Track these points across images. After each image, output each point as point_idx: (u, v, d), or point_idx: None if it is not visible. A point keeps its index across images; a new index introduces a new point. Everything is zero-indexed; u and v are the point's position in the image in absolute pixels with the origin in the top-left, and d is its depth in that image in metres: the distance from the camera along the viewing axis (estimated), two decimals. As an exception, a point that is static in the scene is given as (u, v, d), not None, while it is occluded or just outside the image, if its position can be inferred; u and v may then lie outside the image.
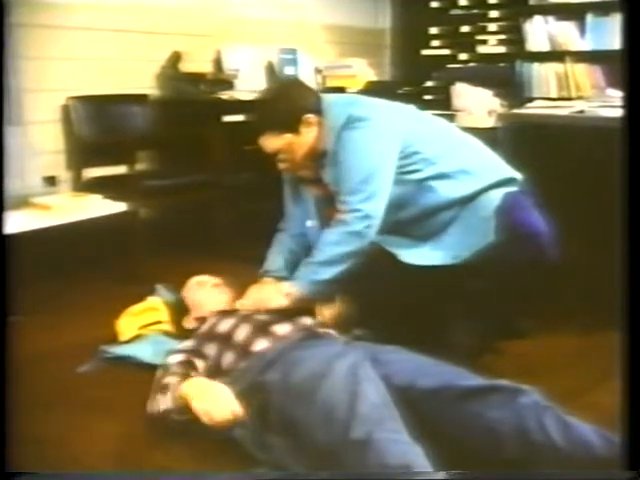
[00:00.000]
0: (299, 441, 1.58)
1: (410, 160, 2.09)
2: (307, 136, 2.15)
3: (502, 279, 1.98)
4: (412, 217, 2.11)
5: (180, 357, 1.96)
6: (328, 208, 2.23)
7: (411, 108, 2.28)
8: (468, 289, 2.04)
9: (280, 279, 2.24)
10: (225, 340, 1.94)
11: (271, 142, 2.16)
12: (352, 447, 1.45)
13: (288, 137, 2.14)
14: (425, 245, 2.10)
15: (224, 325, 1.99)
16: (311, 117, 2.15)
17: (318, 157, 2.16)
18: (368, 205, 2.04)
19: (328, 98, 2.23)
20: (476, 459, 1.52)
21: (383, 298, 2.04)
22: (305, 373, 1.65)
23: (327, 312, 2.12)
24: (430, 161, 2.09)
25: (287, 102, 2.17)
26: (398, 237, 2.10)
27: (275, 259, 2.34)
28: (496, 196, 2.09)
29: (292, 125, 2.14)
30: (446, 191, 2.08)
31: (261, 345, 1.87)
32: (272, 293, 2.12)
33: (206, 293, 2.29)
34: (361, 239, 2.05)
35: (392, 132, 2.10)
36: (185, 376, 1.88)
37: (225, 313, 2.08)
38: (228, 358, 1.90)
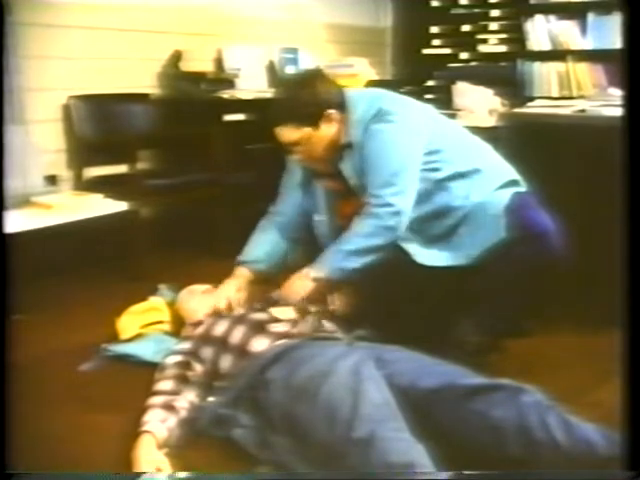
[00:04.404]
0: (301, 440, 1.58)
1: (432, 157, 2.08)
2: (326, 131, 2.11)
3: (509, 278, 1.98)
4: (426, 215, 2.09)
5: (177, 358, 1.96)
6: (340, 202, 2.22)
7: (430, 107, 2.27)
8: (474, 288, 2.04)
9: (255, 271, 2.26)
10: (221, 344, 1.93)
11: (288, 134, 2.11)
12: (355, 446, 1.45)
13: (307, 131, 2.09)
14: (438, 245, 2.09)
15: (219, 328, 1.98)
16: (333, 113, 2.10)
17: (337, 150, 2.13)
18: (399, 200, 2.02)
19: (352, 92, 2.19)
20: (478, 458, 1.52)
21: (387, 296, 2.03)
22: (308, 372, 1.65)
23: (339, 301, 2.12)
24: (449, 160, 2.09)
25: (310, 95, 2.10)
26: (412, 234, 2.09)
27: (254, 250, 2.33)
28: (505, 195, 2.09)
29: (313, 120, 2.09)
30: (460, 192, 2.08)
31: (260, 344, 1.86)
32: (298, 282, 2.10)
33: (197, 301, 2.27)
34: (392, 233, 2.04)
35: (419, 128, 2.10)
36: (181, 377, 1.88)
37: (220, 315, 2.07)
38: (226, 361, 1.90)
